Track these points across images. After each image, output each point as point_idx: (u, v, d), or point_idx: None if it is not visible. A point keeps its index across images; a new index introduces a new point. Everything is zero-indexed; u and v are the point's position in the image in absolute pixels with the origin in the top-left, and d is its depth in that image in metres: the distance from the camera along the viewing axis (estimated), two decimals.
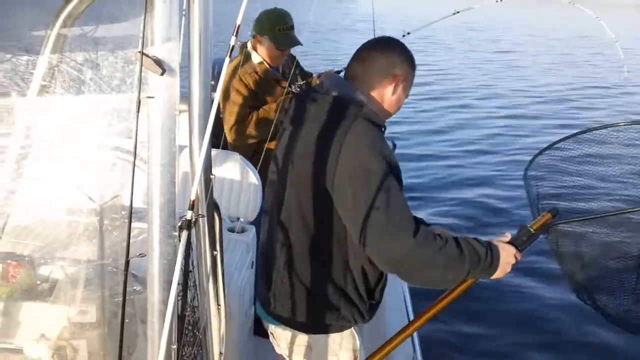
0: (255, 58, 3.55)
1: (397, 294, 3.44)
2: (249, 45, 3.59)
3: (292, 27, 3.52)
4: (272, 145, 3.54)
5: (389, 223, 1.68)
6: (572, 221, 1.93)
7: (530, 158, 2.31)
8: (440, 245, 1.71)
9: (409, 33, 3.60)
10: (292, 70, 3.56)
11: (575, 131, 2.25)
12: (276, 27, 3.41)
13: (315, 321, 1.97)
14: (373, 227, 1.68)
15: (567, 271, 2.10)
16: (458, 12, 3.97)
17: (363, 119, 1.77)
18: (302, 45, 3.57)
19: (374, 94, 1.89)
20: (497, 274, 1.83)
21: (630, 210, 1.88)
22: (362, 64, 1.90)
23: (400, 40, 1.99)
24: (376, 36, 2.07)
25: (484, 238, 1.86)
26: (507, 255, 1.83)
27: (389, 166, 1.73)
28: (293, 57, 3.83)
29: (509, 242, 1.88)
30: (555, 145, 2.28)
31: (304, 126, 1.85)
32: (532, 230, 1.90)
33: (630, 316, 2.01)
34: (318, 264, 1.89)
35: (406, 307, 3.38)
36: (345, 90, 1.85)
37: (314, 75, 3.72)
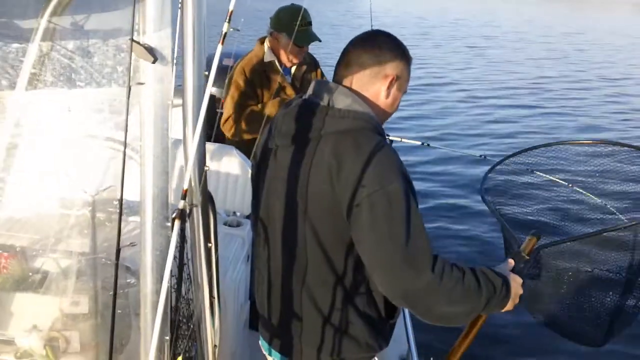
0: (268, 56, 3.54)
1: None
2: (266, 42, 3.58)
3: (310, 24, 3.51)
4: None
5: (406, 257, 1.54)
6: (558, 243, 1.90)
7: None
8: (459, 277, 1.59)
9: None
10: (301, 76, 3.57)
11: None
12: (294, 23, 3.41)
13: (339, 354, 1.79)
14: (389, 261, 1.55)
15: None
16: None
17: (373, 132, 1.65)
18: (320, 41, 3.57)
19: (368, 98, 1.73)
20: (509, 306, 1.72)
21: (612, 229, 1.86)
22: (350, 67, 1.73)
23: (389, 32, 1.81)
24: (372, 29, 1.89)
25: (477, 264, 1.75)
26: (517, 286, 1.74)
27: (407, 183, 1.60)
28: (316, 63, 3.82)
29: (512, 271, 1.78)
30: (503, 163, 2.27)
31: (306, 142, 1.68)
32: (525, 256, 1.84)
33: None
34: (340, 290, 1.73)
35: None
36: (349, 100, 1.68)
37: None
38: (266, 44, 3.58)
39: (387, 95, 1.75)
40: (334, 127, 1.65)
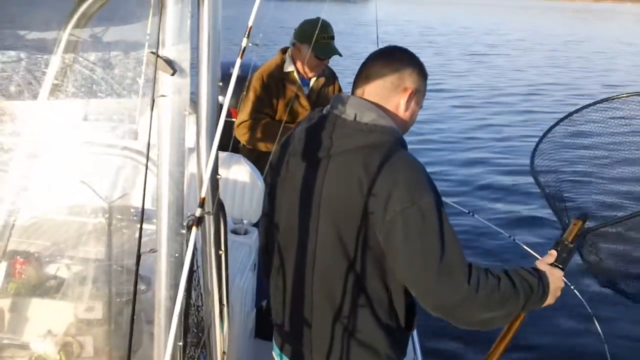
0: (287, 66, 3.59)
1: None
2: (288, 52, 3.63)
3: (332, 38, 3.57)
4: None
5: (441, 272, 1.56)
6: (606, 225, 1.83)
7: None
8: (494, 285, 1.62)
9: None
10: (318, 90, 3.60)
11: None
12: (317, 36, 3.45)
13: None
14: (424, 277, 1.58)
15: (602, 269, 1.95)
16: None
17: (400, 146, 1.67)
18: (341, 55, 3.62)
19: (389, 110, 1.76)
20: (549, 301, 1.73)
21: None
22: (370, 80, 1.76)
23: (407, 48, 1.86)
24: (381, 46, 1.93)
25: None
26: (557, 280, 1.75)
27: (437, 195, 1.61)
28: (334, 76, 3.87)
29: (553, 264, 1.78)
30: (556, 127, 2.09)
31: (337, 158, 1.68)
32: (569, 244, 1.80)
33: None
34: (362, 300, 1.74)
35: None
36: (375, 115, 1.70)
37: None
38: (288, 54, 3.63)
39: (407, 109, 1.78)
40: (362, 142, 1.67)
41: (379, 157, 1.63)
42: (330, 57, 3.61)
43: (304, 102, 3.65)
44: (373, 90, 1.76)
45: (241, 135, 3.54)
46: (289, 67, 3.60)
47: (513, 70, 20.10)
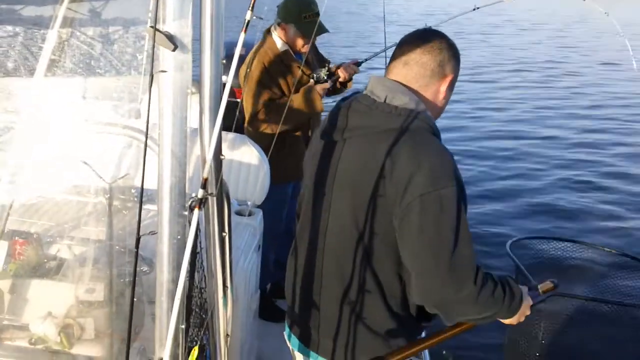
0: (280, 44, 3.47)
1: None
2: (274, 32, 3.51)
3: (318, 14, 3.42)
4: (297, 132, 3.54)
5: (451, 267, 1.54)
6: (572, 297, 2.07)
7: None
8: (492, 290, 1.62)
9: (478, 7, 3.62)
10: (312, 58, 3.51)
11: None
12: (302, 15, 3.35)
13: (371, 353, 1.76)
14: (433, 268, 1.56)
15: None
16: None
17: (430, 133, 1.65)
18: (329, 32, 3.51)
19: (427, 98, 1.74)
20: (512, 320, 1.76)
21: (630, 304, 2.04)
22: (410, 67, 1.72)
23: (442, 31, 1.81)
24: (419, 28, 1.89)
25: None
26: (527, 306, 1.77)
27: (461, 189, 1.59)
28: (313, 44, 3.77)
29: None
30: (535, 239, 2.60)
31: (359, 139, 1.68)
32: (540, 293, 1.93)
33: None
34: (374, 290, 1.72)
35: None
36: (407, 99, 1.68)
37: (331, 64, 3.65)
38: (275, 35, 3.51)
39: (444, 95, 1.77)
40: (388, 124, 1.64)
41: (404, 140, 1.60)
42: (317, 36, 3.50)
43: (308, 70, 3.55)
44: (413, 78, 1.73)
45: (257, 128, 3.42)
46: (283, 47, 3.47)
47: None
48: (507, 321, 1.77)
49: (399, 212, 1.58)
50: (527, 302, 1.78)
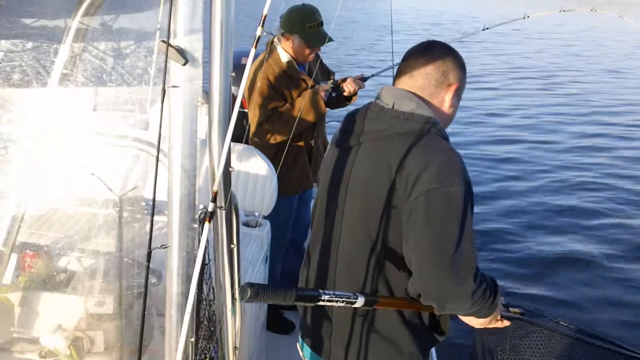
0: (284, 56, 3.46)
1: None
2: (278, 42, 3.50)
3: (322, 24, 3.43)
4: (300, 143, 3.54)
5: (453, 263, 1.57)
6: (536, 324, 2.08)
7: None
8: (485, 289, 1.65)
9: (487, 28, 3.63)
10: (316, 68, 3.50)
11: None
12: (307, 25, 3.34)
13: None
14: (436, 262, 1.58)
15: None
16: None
17: (441, 137, 1.69)
18: (333, 41, 3.51)
19: (435, 106, 1.78)
20: (483, 322, 1.80)
21: (589, 341, 2.04)
22: (414, 78, 1.78)
23: (447, 43, 1.87)
24: (427, 39, 1.92)
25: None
26: (499, 312, 1.82)
27: (469, 190, 1.62)
28: (317, 54, 3.77)
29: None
30: None
31: (370, 144, 1.73)
32: (510, 312, 1.96)
33: None
34: (387, 296, 1.73)
35: None
36: (414, 105, 1.72)
37: (336, 76, 3.65)
38: (279, 47, 3.50)
39: (451, 104, 1.81)
40: (397, 129, 1.69)
41: (414, 142, 1.64)
42: (322, 46, 3.49)
43: (312, 82, 3.53)
44: (418, 89, 1.77)
45: (263, 138, 3.42)
46: (286, 58, 3.46)
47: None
48: (479, 322, 1.80)
49: (407, 207, 1.61)
50: (500, 309, 1.82)
